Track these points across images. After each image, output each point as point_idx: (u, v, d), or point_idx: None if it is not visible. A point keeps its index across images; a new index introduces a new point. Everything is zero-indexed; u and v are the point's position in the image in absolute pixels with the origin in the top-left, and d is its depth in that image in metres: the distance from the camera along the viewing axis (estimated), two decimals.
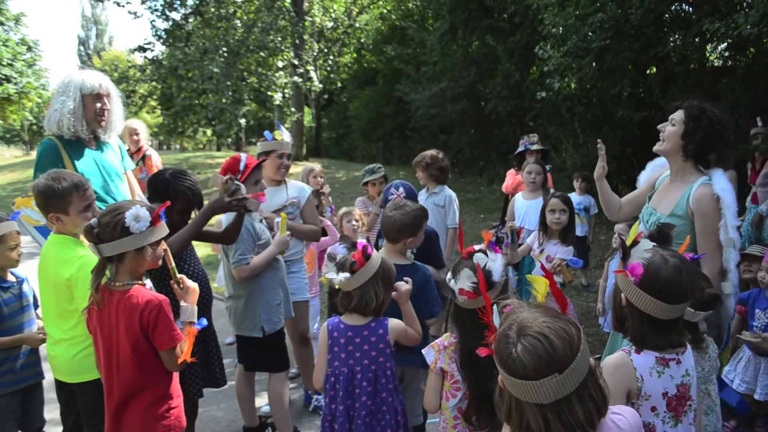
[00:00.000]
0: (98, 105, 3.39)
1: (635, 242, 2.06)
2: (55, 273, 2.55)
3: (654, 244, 2.05)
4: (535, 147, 5.71)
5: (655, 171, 3.13)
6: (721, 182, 2.67)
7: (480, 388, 2.16)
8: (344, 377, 2.48)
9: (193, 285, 2.41)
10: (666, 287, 1.88)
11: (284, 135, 3.87)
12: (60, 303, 2.57)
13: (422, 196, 4.58)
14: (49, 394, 3.11)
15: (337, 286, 2.47)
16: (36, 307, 3.13)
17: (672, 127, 2.78)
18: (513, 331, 1.32)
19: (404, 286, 2.61)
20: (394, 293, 2.57)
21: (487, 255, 2.34)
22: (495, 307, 1.42)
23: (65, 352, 2.59)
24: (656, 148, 2.89)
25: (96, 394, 2.50)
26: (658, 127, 2.88)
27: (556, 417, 1.29)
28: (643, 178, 3.27)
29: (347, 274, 2.40)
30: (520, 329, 1.32)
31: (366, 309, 2.45)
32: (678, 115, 2.77)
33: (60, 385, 2.73)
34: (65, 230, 2.60)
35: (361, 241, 2.50)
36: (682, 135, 2.73)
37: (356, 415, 2.45)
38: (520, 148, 5.90)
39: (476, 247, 2.40)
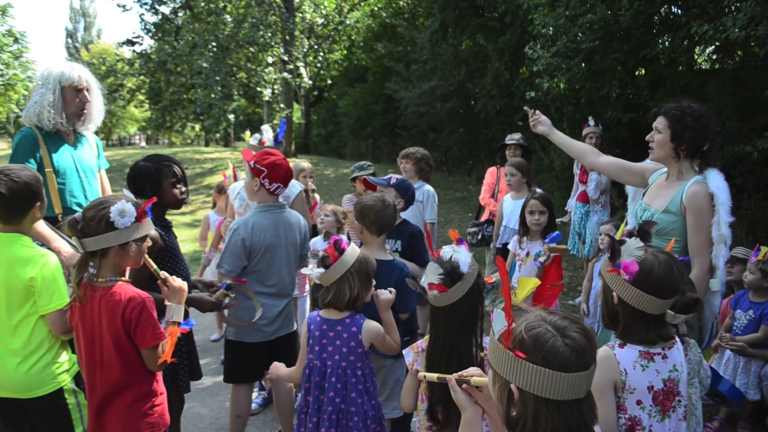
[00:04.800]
0: (78, 98, 3.35)
1: (621, 241, 2.08)
2: (10, 275, 2.33)
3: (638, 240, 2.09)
4: (511, 142, 5.65)
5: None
6: (717, 180, 2.74)
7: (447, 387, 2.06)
8: (317, 370, 2.48)
9: (182, 284, 2.37)
10: (660, 283, 1.95)
11: (265, 134, 3.81)
12: (10, 312, 2.32)
13: None
14: None
15: (313, 282, 2.48)
16: None
17: (659, 134, 2.86)
18: (547, 327, 1.29)
19: (385, 294, 2.58)
20: (375, 299, 2.54)
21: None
22: (495, 311, 1.37)
23: (18, 368, 2.32)
24: (651, 158, 2.98)
25: (56, 404, 2.39)
26: (647, 138, 2.98)
27: (578, 415, 1.27)
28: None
29: (321, 269, 2.41)
30: (554, 325, 1.29)
31: (339, 303, 2.44)
32: (660, 122, 2.86)
33: None
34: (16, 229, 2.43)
35: (338, 236, 2.49)
36: (670, 139, 2.81)
37: (323, 410, 2.45)
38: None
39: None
